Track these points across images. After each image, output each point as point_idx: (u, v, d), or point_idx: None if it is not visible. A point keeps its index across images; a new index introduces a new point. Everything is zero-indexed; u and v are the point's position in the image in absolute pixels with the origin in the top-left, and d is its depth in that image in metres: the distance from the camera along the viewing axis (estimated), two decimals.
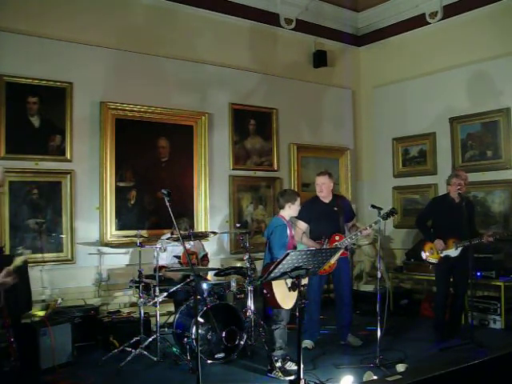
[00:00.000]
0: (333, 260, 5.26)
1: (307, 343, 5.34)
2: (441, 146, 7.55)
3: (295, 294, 4.10)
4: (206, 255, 6.23)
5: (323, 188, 5.49)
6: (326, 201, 5.52)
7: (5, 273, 3.19)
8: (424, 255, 5.62)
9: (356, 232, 5.36)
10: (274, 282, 4.35)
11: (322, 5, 8.08)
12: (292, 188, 7.59)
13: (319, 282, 5.48)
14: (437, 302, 5.70)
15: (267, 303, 4.67)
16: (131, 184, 6.39)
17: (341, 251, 5.27)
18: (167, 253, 5.77)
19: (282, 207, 4.90)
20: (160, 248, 5.21)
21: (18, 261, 3.33)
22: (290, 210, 4.88)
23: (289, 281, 4.36)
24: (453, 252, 5.43)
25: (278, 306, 4.50)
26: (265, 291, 4.48)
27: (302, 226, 5.47)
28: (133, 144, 6.38)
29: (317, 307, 5.46)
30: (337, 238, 5.33)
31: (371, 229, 5.40)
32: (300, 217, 5.43)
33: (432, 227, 5.70)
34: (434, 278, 5.93)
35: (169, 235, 5.86)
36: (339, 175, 8.34)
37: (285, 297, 4.41)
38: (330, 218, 5.39)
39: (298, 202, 4.89)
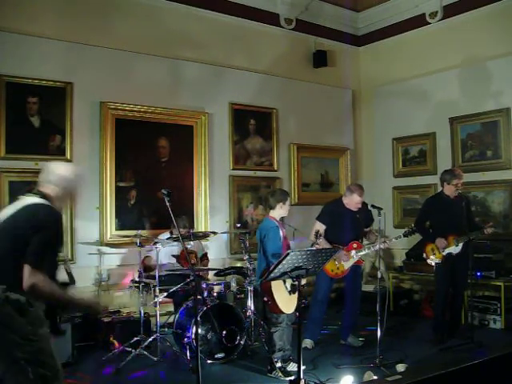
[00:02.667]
0: (347, 266, 5.30)
1: (307, 343, 5.35)
2: (441, 146, 7.55)
3: (295, 297, 4.11)
4: (205, 255, 6.23)
5: (359, 205, 5.38)
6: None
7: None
8: (426, 257, 5.54)
9: (375, 244, 5.29)
10: (273, 289, 4.34)
11: (322, 5, 8.08)
12: (292, 188, 7.63)
13: (329, 284, 5.48)
14: (437, 302, 5.69)
15: (269, 310, 4.65)
16: (131, 184, 6.38)
17: (355, 259, 5.36)
18: (164, 252, 5.76)
19: (273, 207, 4.83)
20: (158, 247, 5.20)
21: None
22: (281, 210, 4.82)
23: (288, 284, 4.37)
24: (454, 249, 5.42)
25: (281, 312, 4.49)
26: (265, 299, 4.46)
27: (319, 227, 5.34)
28: (133, 144, 6.37)
29: (323, 307, 5.48)
30: (355, 245, 5.33)
31: (390, 243, 5.39)
32: (320, 219, 5.42)
33: (430, 227, 5.70)
34: (433, 278, 5.92)
35: (168, 235, 5.86)
36: (339, 175, 8.34)
37: (286, 301, 4.40)
38: (351, 226, 5.33)
39: (288, 202, 4.84)
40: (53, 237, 2.70)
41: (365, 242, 5.58)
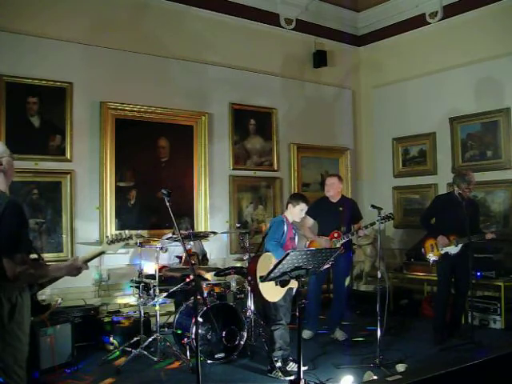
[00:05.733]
0: None
1: (306, 333, 5.42)
2: (441, 146, 7.55)
3: (282, 290, 4.32)
4: (205, 255, 6.23)
5: (330, 188, 5.79)
6: (334, 201, 5.82)
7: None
8: (424, 253, 5.64)
9: (352, 231, 5.63)
10: (258, 272, 4.39)
11: (322, 5, 8.08)
12: (292, 188, 7.62)
13: (316, 279, 5.62)
14: (437, 302, 5.71)
15: (250, 290, 4.86)
16: (131, 184, 6.39)
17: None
18: (168, 253, 5.77)
19: (286, 207, 5.00)
20: (161, 248, 5.20)
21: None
22: (289, 212, 4.86)
23: None
24: (453, 249, 5.45)
25: (260, 295, 4.47)
26: (249, 278, 4.54)
27: (309, 221, 5.74)
28: (133, 144, 6.37)
29: (316, 303, 5.62)
30: (335, 235, 5.62)
31: (366, 230, 5.72)
32: (308, 213, 5.51)
33: (435, 224, 5.73)
34: (434, 278, 5.93)
35: (170, 235, 5.86)
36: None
37: (269, 289, 4.37)
38: (333, 217, 5.66)
39: (299, 207, 4.78)
40: (18, 222, 2.70)
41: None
